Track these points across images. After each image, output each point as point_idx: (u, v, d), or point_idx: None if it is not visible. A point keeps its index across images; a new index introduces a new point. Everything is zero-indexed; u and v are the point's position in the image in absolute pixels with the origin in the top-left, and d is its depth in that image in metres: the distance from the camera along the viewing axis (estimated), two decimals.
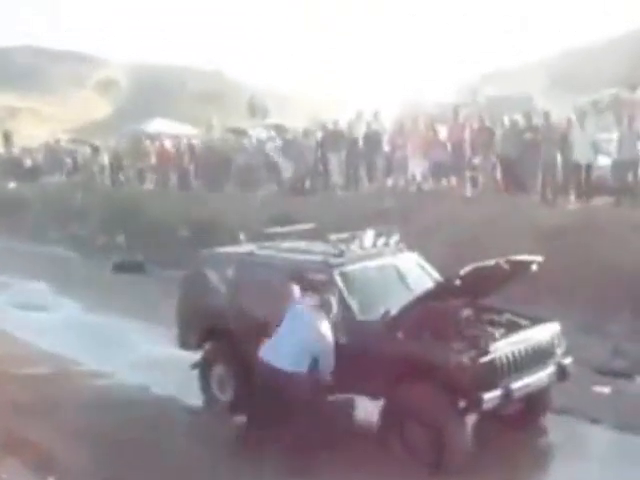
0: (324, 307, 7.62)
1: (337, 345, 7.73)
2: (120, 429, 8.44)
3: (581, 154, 14.49)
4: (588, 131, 14.73)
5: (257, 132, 24.37)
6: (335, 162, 18.78)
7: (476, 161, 16.59)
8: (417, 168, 17.34)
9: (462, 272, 7.17)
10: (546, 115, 15.55)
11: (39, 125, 46.09)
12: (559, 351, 8.14)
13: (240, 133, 24.25)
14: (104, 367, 10.85)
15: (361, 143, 18.32)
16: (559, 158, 14.81)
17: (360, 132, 18.63)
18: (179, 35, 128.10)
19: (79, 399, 9.49)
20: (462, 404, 7.28)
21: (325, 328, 7.44)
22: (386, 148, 18.12)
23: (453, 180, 16.88)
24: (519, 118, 16.07)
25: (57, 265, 19.82)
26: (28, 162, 29.93)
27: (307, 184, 19.34)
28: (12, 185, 29.05)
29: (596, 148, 14.53)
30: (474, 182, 16.57)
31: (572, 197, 14.69)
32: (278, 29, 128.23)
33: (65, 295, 16.02)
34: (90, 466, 7.45)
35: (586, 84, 26.23)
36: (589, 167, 14.49)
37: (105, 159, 26.27)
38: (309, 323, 7.44)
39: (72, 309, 14.89)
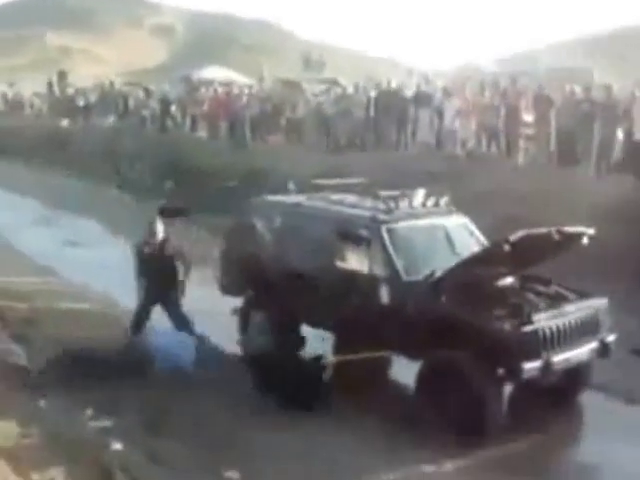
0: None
1: (380, 303, 7.72)
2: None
3: None
4: None
5: (311, 86, 24.18)
6: (386, 121, 18.62)
7: (530, 131, 16.30)
8: (468, 132, 17.14)
9: (512, 238, 7.05)
10: (607, 89, 15.15)
11: (93, 66, 46.34)
12: (603, 327, 8.01)
13: (292, 85, 24.11)
14: None
15: (412, 104, 18.19)
16: (619, 134, 14.45)
17: (412, 92, 18.47)
18: None
19: (112, 338, 9.50)
20: (501, 372, 7.23)
21: None
22: (438, 110, 17.89)
23: (504, 148, 16.63)
24: (577, 90, 15.74)
25: (106, 204, 20.02)
26: (81, 102, 30.19)
27: (357, 141, 19.21)
28: (65, 123, 29.35)
29: None
30: (527, 152, 16.31)
31: (627, 174, 14.35)
32: None
33: (112, 234, 16.17)
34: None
35: None
36: None
37: (157, 104, 26.33)
38: None
39: (120, 248, 14.98)
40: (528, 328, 7.17)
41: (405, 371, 8.35)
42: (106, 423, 6.57)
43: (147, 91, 27.87)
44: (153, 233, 9.05)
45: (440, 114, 17.67)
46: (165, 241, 9.10)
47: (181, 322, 9.03)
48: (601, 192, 13.20)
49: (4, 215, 17.64)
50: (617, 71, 24.64)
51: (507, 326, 7.18)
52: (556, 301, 7.87)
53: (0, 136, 28.82)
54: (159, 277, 8.97)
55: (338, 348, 8.93)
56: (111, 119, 28.09)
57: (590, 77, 22.01)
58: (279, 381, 7.79)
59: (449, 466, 6.82)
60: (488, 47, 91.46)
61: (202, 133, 24.01)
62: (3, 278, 11.14)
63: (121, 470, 5.45)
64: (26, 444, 5.60)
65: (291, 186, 9.73)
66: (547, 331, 7.30)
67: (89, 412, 6.69)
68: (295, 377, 7.74)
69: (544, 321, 7.32)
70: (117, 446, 5.90)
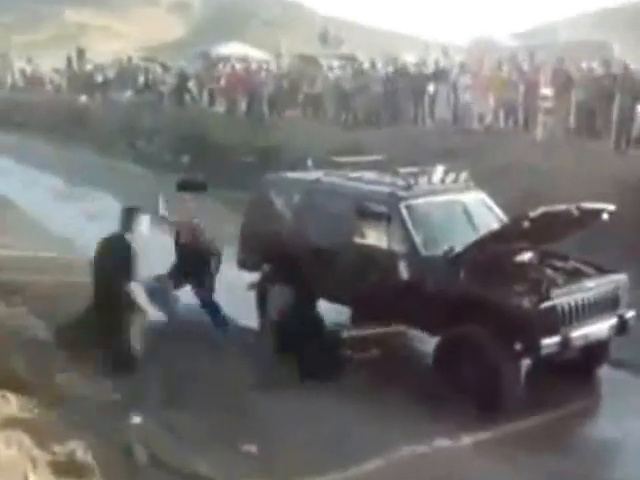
0: None
1: (399, 278, 7.72)
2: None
3: None
4: None
5: (328, 61, 24.09)
6: (403, 97, 18.53)
7: (549, 104, 16.16)
8: (486, 107, 17.03)
9: (531, 214, 7.01)
10: (625, 65, 15.03)
11: (111, 43, 46.38)
12: (623, 303, 7.97)
13: (310, 61, 24.02)
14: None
15: (430, 79, 18.14)
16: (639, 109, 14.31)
17: (429, 69, 18.38)
18: None
19: None
20: (519, 348, 7.21)
21: None
22: (455, 85, 17.79)
23: (522, 122, 16.50)
24: (597, 65, 15.58)
25: (123, 178, 20.05)
26: (99, 78, 30.27)
27: (375, 117, 19.14)
28: (83, 98, 29.45)
29: None
30: (545, 126, 16.18)
31: None
32: None
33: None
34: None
35: None
36: None
37: (174, 79, 26.33)
38: None
39: None
40: (547, 304, 7.15)
41: (422, 344, 8.37)
42: (125, 396, 6.61)
43: (164, 66, 27.88)
44: (186, 210, 9.08)
45: (455, 89, 17.58)
46: (197, 229, 9.08)
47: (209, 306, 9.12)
48: (621, 167, 13.09)
49: (26, 190, 17.83)
50: (638, 43, 24.28)
51: (526, 302, 7.16)
52: (575, 277, 7.83)
53: (20, 111, 28.99)
54: (188, 264, 9.02)
55: (356, 323, 8.95)
56: (129, 94, 28.13)
57: (610, 50, 21.72)
58: (298, 349, 7.83)
59: (467, 440, 6.81)
60: (504, 20, 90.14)
61: (220, 108, 24.01)
62: (24, 253, 11.22)
63: (140, 443, 5.49)
64: (47, 417, 5.65)
65: (309, 163, 9.73)
66: (566, 307, 7.28)
67: (108, 385, 6.74)
68: (314, 348, 7.78)
69: (563, 297, 7.29)
70: (136, 420, 5.95)
